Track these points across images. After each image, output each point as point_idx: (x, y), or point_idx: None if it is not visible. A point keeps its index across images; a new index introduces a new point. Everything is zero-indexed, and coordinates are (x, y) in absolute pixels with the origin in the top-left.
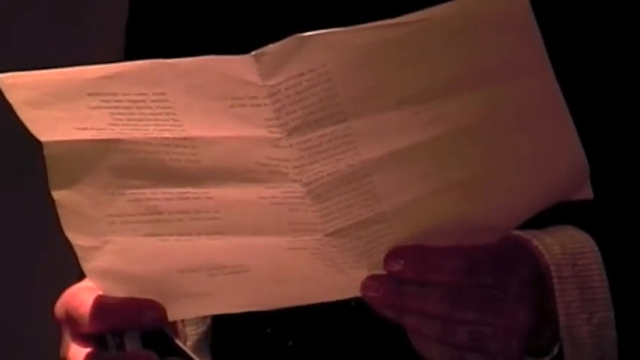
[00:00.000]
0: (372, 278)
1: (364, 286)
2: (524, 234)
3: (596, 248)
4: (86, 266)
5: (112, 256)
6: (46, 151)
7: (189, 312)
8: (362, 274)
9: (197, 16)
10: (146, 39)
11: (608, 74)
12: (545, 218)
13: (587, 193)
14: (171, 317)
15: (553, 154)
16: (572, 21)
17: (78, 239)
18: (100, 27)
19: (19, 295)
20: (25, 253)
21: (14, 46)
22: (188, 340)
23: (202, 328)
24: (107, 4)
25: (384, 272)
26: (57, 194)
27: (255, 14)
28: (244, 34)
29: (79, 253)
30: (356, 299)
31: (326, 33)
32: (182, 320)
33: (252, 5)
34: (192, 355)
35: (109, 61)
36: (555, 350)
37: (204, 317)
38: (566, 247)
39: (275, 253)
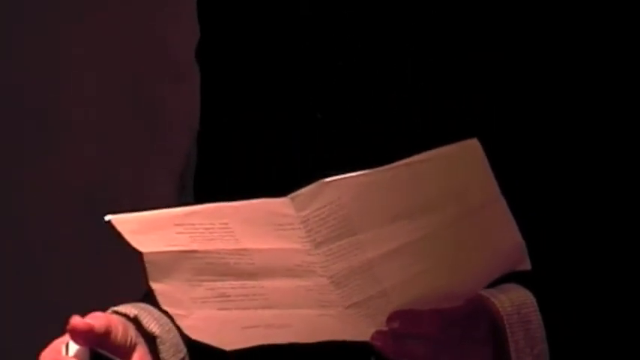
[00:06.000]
0: (378, 332)
1: (373, 338)
2: (485, 293)
3: (534, 300)
4: (180, 323)
5: (198, 322)
6: (145, 258)
7: (246, 344)
8: (371, 330)
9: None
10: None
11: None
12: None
13: (526, 265)
14: (232, 347)
15: (498, 243)
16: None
17: (172, 310)
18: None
19: None
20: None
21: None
22: None
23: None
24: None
25: (386, 329)
26: (154, 285)
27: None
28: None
29: (174, 317)
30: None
31: (339, 178)
32: (158, 357)
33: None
34: None
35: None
36: None
37: (177, 352)
38: (513, 301)
39: (309, 318)
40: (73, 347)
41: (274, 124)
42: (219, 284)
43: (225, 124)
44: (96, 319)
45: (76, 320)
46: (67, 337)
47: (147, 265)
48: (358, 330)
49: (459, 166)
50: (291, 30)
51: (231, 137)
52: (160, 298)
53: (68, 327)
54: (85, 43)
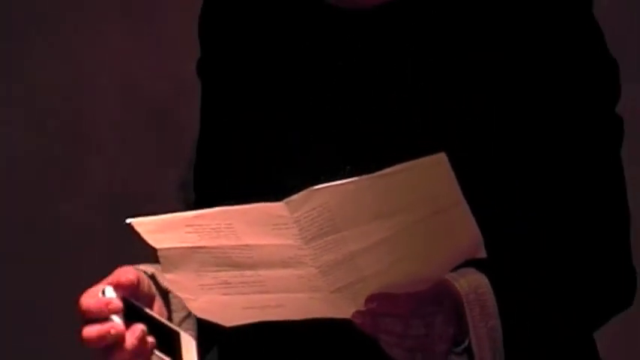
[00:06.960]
0: (358, 312)
1: (353, 316)
2: (448, 277)
3: (488, 282)
4: (189, 305)
5: (203, 304)
6: (159, 253)
7: (245, 321)
8: (352, 310)
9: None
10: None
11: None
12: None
13: (482, 254)
14: (232, 324)
15: (460, 238)
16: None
17: (182, 295)
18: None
19: None
20: None
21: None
22: (174, 319)
23: (184, 313)
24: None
25: (365, 308)
26: (167, 275)
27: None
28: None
29: (184, 300)
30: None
31: (326, 186)
32: (169, 310)
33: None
34: (161, 320)
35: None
36: (466, 342)
37: (184, 306)
38: (471, 283)
39: (300, 300)
40: (110, 293)
41: (274, 124)
42: (222, 274)
43: (225, 124)
44: (130, 273)
45: (120, 278)
46: (101, 286)
47: (161, 258)
48: (341, 310)
49: (428, 176)
50: (290, 30)
51: (231, 138)
52: (171, 286)
53: (112, 281)
54: (106, 60)
